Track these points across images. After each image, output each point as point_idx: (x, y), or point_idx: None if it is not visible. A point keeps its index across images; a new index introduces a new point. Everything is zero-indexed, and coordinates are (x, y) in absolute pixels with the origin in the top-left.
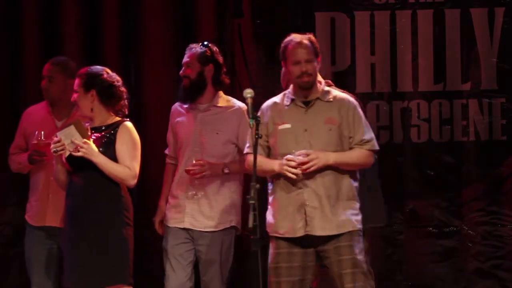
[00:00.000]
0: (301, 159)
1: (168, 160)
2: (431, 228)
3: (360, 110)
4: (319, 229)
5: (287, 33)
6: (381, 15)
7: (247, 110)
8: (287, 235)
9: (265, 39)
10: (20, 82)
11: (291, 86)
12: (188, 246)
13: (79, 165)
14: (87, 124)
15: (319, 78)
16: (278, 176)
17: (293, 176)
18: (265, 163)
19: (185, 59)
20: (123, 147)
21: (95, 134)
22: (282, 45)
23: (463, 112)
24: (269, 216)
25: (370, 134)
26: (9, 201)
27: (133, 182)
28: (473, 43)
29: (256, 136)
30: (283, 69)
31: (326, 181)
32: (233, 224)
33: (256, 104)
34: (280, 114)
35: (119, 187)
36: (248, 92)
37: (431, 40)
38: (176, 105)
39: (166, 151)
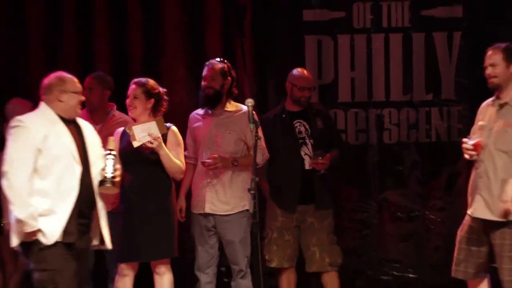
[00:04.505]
0: (473, 142)
1: (187, 160)
2: (399, 213)
3: None
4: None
5: (281, 52)
6: (360, 38)
7: (248, 116)
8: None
9: (263, 57)
10: (20, 82)
11: None
12: (209, 233)
13: (131, 161)
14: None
15: None
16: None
17: (466, 156)
18: None
19: (208, 72)
20: (174, 147)
21: None
22: None
23: (426, 118)
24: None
25: None
26: None
27: (182, 176)
28: (435, 61)
29: (256, 138)
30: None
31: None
32: (246, 208)
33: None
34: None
35: (169, 179)
36: (249, 101)
37: (401, 58)
38: (193, 114)
39: (185, 153)
